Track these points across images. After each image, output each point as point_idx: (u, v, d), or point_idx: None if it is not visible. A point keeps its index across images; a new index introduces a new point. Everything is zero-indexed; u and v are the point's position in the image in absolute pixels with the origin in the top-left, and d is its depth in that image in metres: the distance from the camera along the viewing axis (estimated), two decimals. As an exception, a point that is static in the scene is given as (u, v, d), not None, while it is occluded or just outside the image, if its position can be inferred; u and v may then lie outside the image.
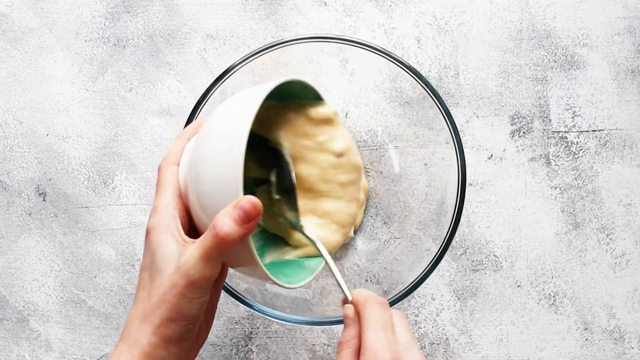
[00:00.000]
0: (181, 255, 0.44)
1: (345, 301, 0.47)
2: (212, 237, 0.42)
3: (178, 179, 0.48)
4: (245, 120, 0.42)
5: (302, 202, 0.54)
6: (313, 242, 0.50)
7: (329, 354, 0.67)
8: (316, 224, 0.55)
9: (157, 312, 0.43)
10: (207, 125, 0.46)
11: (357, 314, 0.45)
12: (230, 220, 0.42)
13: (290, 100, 0.52)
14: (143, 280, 0.45)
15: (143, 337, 0.43)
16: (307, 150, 0.53)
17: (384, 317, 0.43)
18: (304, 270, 0.52)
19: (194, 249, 0.43)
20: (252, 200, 0.43)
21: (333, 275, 0.48)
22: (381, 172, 0.67)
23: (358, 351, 0.43)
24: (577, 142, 0.68)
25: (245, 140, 0.42)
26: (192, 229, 0.48)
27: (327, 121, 0.52)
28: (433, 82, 0.68)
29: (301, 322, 0.58)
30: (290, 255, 0.54)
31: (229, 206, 0.43)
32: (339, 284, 0.47)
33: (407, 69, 0.60)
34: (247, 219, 0.43)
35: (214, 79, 0.60)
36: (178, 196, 0.47)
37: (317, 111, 0.52)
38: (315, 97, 0.52)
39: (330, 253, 0.53)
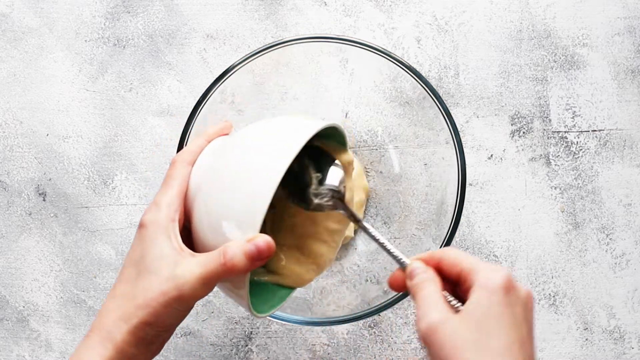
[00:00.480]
0: (177, 265, 0.43)
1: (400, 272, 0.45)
2: (220, 264, 0.42)
3: (188, 180, 0.47)
4: (285, 159, 0.42)
5: (288, 238, 0.53)
6: (357, 220, 0.49)
7: (328, 354, 0.67)
8: (297, 260, 0.53)
9: (139, 314, 0.43)
10: (239, 141, 0.45)
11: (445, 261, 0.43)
12: (241, 253, 0.42)
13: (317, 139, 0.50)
14: (127, 275, 0.45)
15: (118, 333, 0.43)
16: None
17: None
18: (273, 297, 0.51)
19: (195, 266, 0.43)
20: (268, 241, 0.42)
21: (385, 249, 0.46)
22: (381, 172, 0.67)
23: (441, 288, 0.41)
24: (577, 142, 0.68)
25: (280, 179, 0.41)
26: (184, 236, 0.47)
27: (345, 169, 0.52)
28: (433, 82, 0.68)
29: (301, 322, 0.58)
30: (262, 277, 0.52)
31: (244, 239, 0.42)
32: (392, 255, 0.46)
33: (407, 69, 0.60)
34: (258, 257, 0.42)
35: (214, 79, 0.59)
36: (182, 198, 0.47)
37: (342, 158, 0.51)
38: (340, 142, 0.51)
39: (297, 287, 0.52)
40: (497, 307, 0.38)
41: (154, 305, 0.42)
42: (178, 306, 0.43)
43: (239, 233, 0.42)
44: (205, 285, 0.43)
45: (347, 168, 0.52)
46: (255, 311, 0.47)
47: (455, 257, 0.42)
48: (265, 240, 0.42)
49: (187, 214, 0.47)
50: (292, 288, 0.52)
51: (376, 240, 0.46)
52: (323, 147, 0.51)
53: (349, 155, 0.52)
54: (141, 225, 0.46)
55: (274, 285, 0.52)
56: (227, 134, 0.52)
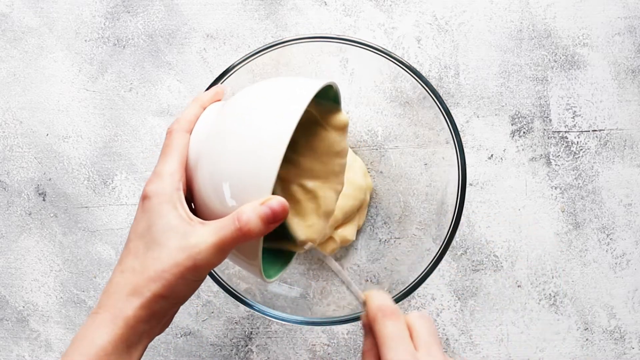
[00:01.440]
0: (188, 234, 0.42)
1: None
2: (235, 229, 0.41)
3: (187, 148, 0.46)
4: (294, 114, 0.41)
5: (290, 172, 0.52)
6: (324, 258, 0.49)
7: (329, 354, 0.67)
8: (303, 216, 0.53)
9: (151, 287, 0.41)
10: (239, 104, 0.44)
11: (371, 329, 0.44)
12: (256, 217, 0.41)
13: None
14: (135, 249, 0.43)
15: (130, 309, 0.42)
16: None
17: (397, 330, 0.42)
18: (276, 262, 0.51)
19: (208, 234, 0.42)
20: (283, 202, 0.42)
21: (344, 284, 0.47)
22: (381, 172, 0.67)
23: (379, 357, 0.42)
24: (578, 142, 0.68)
25: (289, 137, 0.40)
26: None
27: (342, 129, 0.51)
28: (433, 82, 0.68)
29: (301, 322, 0.58)
30: (264, 243, 0.51)
31: (257, 202, 0.41)
32: (351, 291, 0.46)
33: (407, 68, 0.60)
34: (273, 219, 0.41)
35: (214, 78, 0.60)
36: (184, 166, 0.46)
37: (339, 119, 0.51)
38: (334, 100, 0.51)
39: (299, 250, 0.51)
40: None
41: (167, 277, 0.41)
42: (192, 276, 0.42)
43: (251, 197, 0.41)
44: (220, 252, 0.42)
45: (342, 130, 0.51)
46: (265, 276, 0.46)
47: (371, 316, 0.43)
48: (280, 201, 0.41)
49: (188, 184, 0.46)
50: (293, 251, 0.52)
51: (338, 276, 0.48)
52: (316, 113, 0.51)
53: (343, 116, 0.51)
54: (144, 197, 0.44)
55: (275, 250, 0.52)
56: (220, 100, 0.51)
